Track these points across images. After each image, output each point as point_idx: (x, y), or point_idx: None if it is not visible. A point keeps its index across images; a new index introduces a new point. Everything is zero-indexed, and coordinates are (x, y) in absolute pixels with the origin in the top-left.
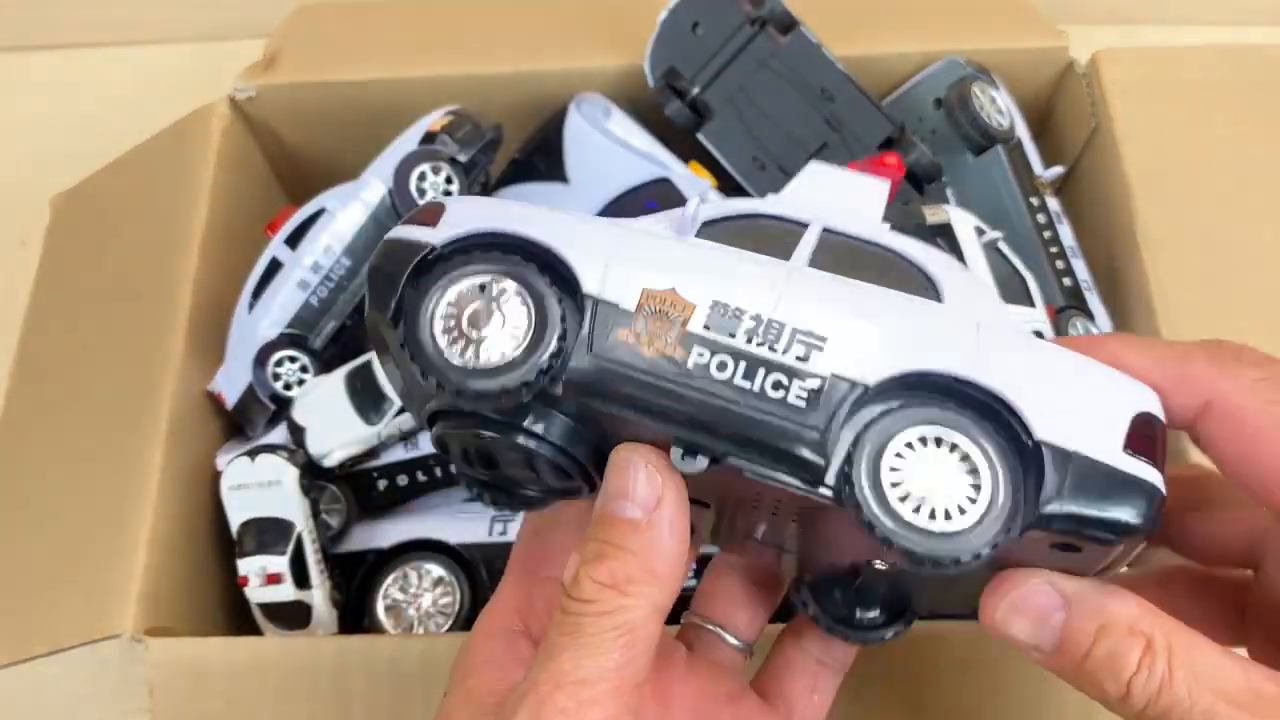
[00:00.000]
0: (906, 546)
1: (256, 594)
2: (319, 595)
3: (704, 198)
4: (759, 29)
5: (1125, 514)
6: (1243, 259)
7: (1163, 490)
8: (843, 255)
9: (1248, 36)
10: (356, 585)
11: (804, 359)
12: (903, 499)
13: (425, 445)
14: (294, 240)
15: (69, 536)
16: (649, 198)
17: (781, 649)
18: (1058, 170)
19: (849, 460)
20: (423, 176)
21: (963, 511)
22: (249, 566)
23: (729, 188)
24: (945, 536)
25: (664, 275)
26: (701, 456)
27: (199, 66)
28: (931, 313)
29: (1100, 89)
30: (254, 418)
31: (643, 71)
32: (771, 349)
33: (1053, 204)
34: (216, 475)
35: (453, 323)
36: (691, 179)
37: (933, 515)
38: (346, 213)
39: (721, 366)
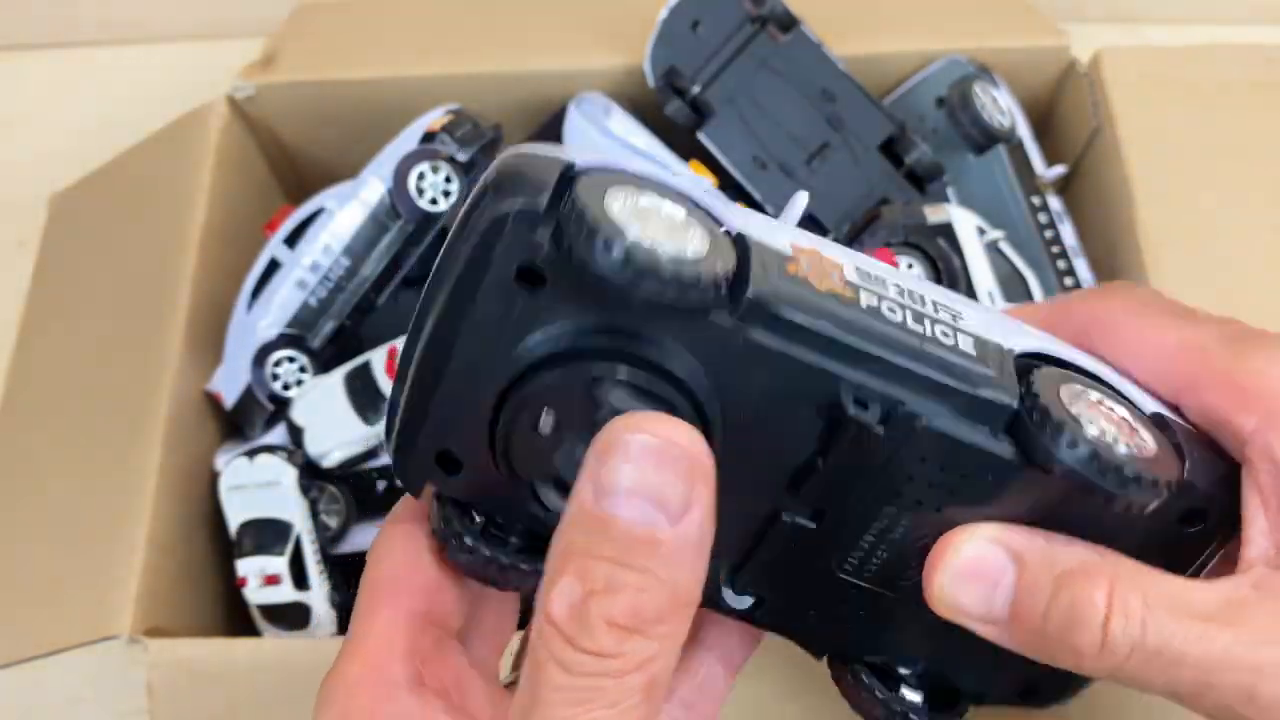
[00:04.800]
0: (1115, 477)
1: (255, 595)
2: (318, 596)
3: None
4: (760, 28)
5: None
6: (1244, 259)
7: None
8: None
9: (1250, 35)
10: (356, 586)
11: (956, 318)
12: (1098, 433)
13: None
14: (293, 240)
15: (66, 537)
16: None
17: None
18: (1059, 170)
19: (1033, 402)
20: (422, 176)
21: (1140, 449)
22: (248, 567)
23: (729, 187)
24: (1144, 463)
25: (800, 237)
26: (874, 406)
27: (197, 65)
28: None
29: (1102, 88)
30: (253, 418)
31: (643, 71)
32: (923, 306)
33: (1054, 203)
34: (215, 476)
35: (633, 220)
36: (692, 178)
37: (1125, 449)
38: (345, 212)
39: (891, 309)
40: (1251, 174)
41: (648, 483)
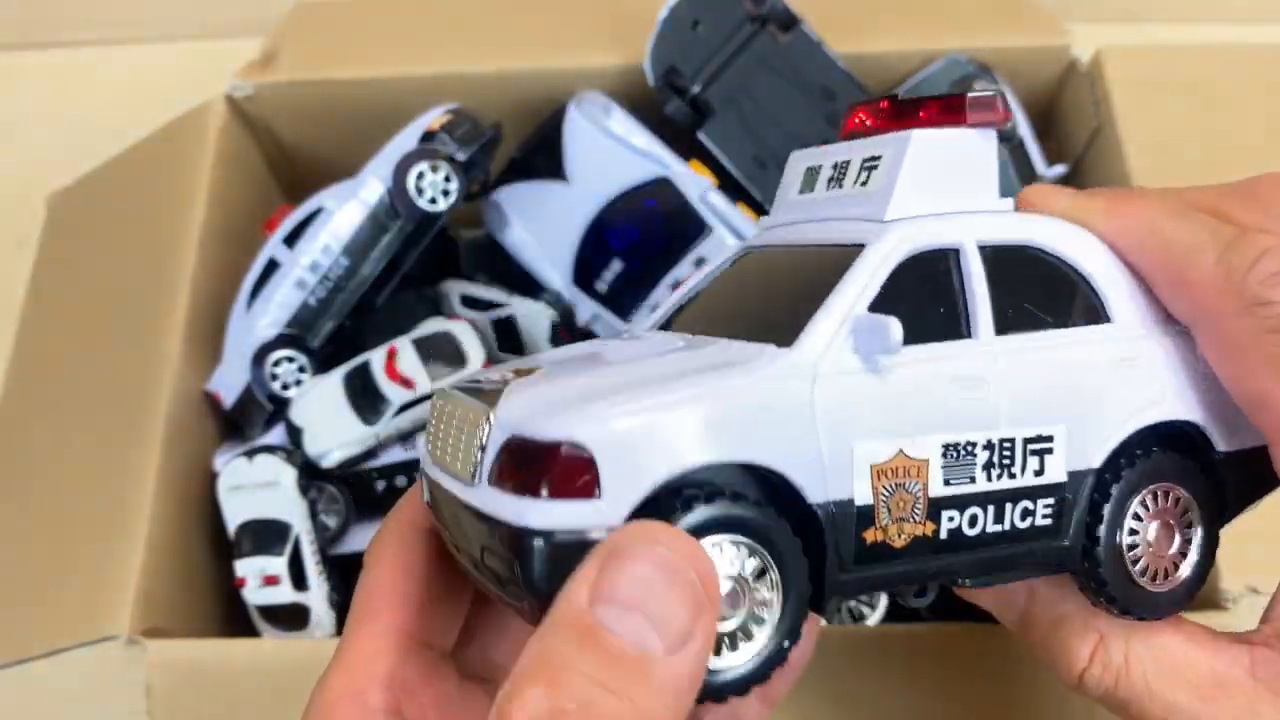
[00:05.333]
0: (1134, 610)
1: (254, 595)
2: (317, 597)
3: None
4: (760, 27)
5: None
6: None
7: None
8: (1006, 289)
9: (1250, 34)
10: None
11: (1040, 471)
12: (1135, 564)
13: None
14: (292, 239)
15: (66, 538)
16: (649, 196)
17: None
18: (1060, 169)
19: (1088, 537)
20: (421, 175)
21: (1176, 568)
22: (247, 568)
23: (729, 186)
24: (1160, 594)
25: (886, 440)
26: (930, 592)
27: (196, 65)
28: (1113, 350)
29: (1103, 87)
30: (252, 418)
31: (643, 70)
32: (1010, 475)
33: None
34: (214, 476)
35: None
36: (692, 177)
37: (1154, 577)
38: (345, 212)
39: (973, 522)
40: (1251, 173)
41: (651, 600)
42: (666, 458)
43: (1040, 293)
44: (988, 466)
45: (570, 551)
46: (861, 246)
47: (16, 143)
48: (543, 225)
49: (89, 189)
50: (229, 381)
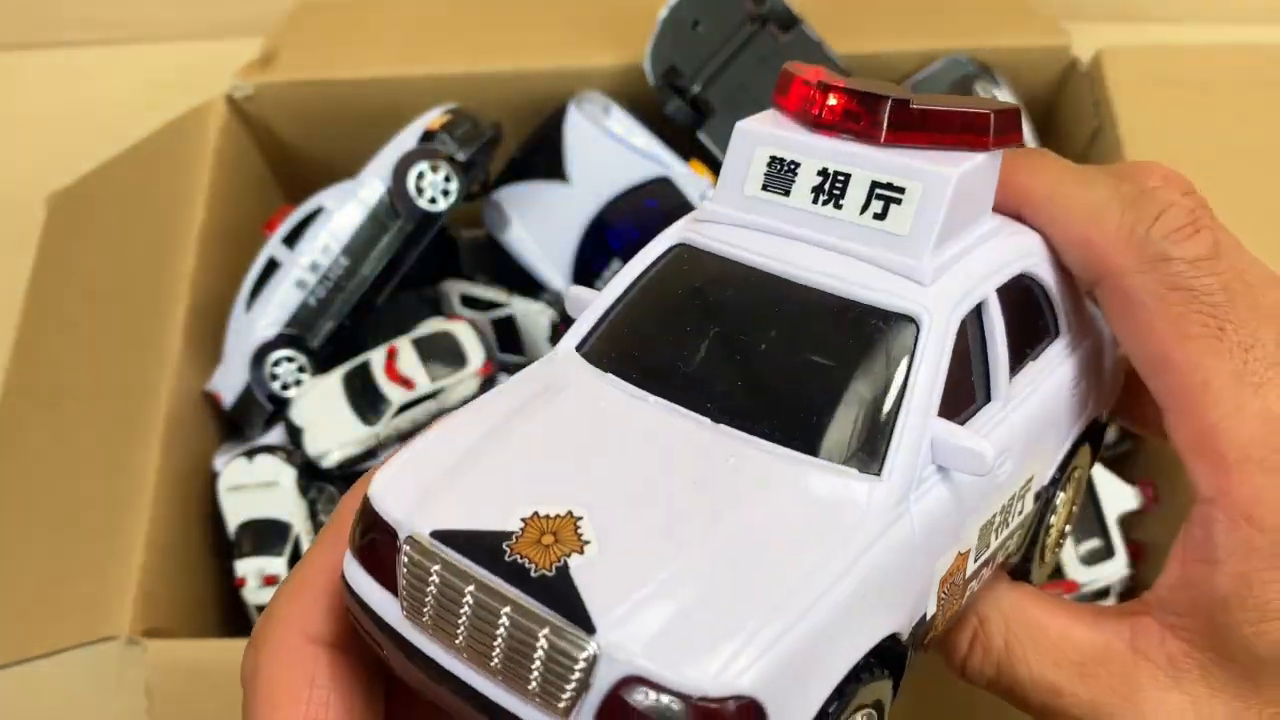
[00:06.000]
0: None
1: (254, 595)
2: None
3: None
4: (760, 27)
5: None
6: None
7: None
8: (1009, 329)
9: (1251, 34)
10: None
11: (1023, 510)
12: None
13: None
14: (292, 239)
15: (65, 538)
16: (649, 196)
17: None
18: None
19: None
20: (421, 175)
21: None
22: (246, 568)
23: None
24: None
25: (950, 552)
26: None
27: (196, 65)
28: (1069, 369)
29: (1103, 87)
30: (251, 418)
31: (643, 70)
32: (1008, 526)
33: None
34: (214, 476)
35: None
36: (692, 177)
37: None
38: (345, 212)
39: (975, 576)
40: (1252, 173)
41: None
42: (830, 670)
43: (1027, 321)
44: (999, 528)
45: None
46: (911, 321)
47: (16, 143)
48: (543, 225)
49: (89, 189)
50: (229, 381)
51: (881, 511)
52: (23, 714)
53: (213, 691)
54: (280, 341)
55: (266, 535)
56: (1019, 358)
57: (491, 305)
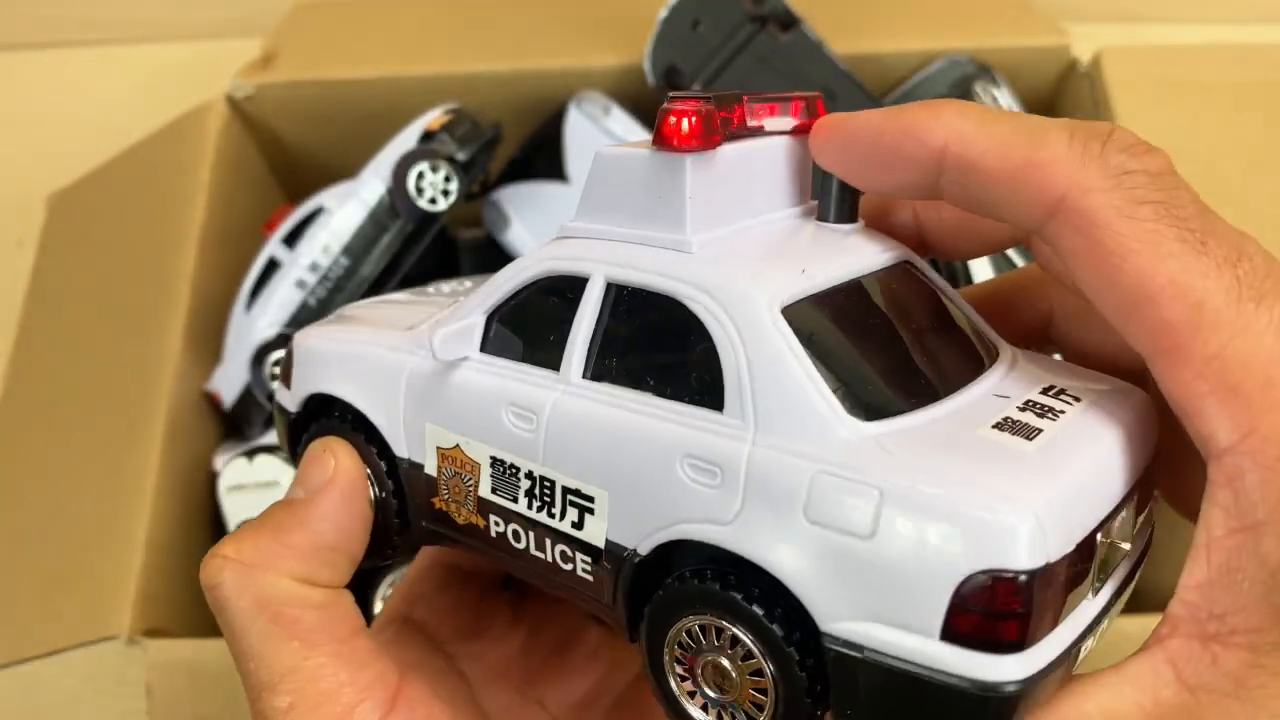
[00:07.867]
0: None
1: None
2: None
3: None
4: (760, 27)
5: None
6: None
7: (1004, 682)
8: (623, 337)
9: (1251, 34)
10: (354, 585)
11: (579, 525)
12: (691, 695)
13: None
14: (292, 239)
15: (66, 538)
16: None
17: None
18: None
19: (645, 639)
20: (421, 175)
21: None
22: None
23: None
24: None
25: (449, 430)
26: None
27: (197, 65)
28: (700, 442)
29: (1103, 87)
30: (251, 418)
31: (643, 70)
32: (550, 514)
33: None
34: (214, 476)
35: None
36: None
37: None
38: (344, 211)
39: (516, 536)
40: (1252, 172)
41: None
42: None
43: (660, 352)
44: (529, 495)
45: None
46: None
47: (16, 143)
48: (543, 225)
49: (89, 189)
50: (229, 381)
51: (392, 338)
52: (23, 714)
53: (212, 691)
54: (280, 341)
55: None
56: (626, 371)
57: None
